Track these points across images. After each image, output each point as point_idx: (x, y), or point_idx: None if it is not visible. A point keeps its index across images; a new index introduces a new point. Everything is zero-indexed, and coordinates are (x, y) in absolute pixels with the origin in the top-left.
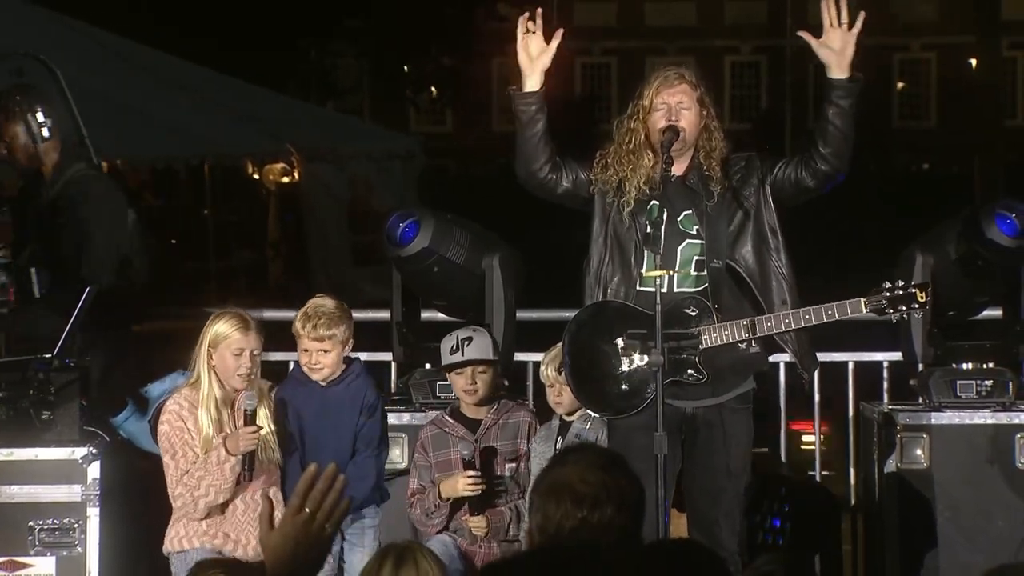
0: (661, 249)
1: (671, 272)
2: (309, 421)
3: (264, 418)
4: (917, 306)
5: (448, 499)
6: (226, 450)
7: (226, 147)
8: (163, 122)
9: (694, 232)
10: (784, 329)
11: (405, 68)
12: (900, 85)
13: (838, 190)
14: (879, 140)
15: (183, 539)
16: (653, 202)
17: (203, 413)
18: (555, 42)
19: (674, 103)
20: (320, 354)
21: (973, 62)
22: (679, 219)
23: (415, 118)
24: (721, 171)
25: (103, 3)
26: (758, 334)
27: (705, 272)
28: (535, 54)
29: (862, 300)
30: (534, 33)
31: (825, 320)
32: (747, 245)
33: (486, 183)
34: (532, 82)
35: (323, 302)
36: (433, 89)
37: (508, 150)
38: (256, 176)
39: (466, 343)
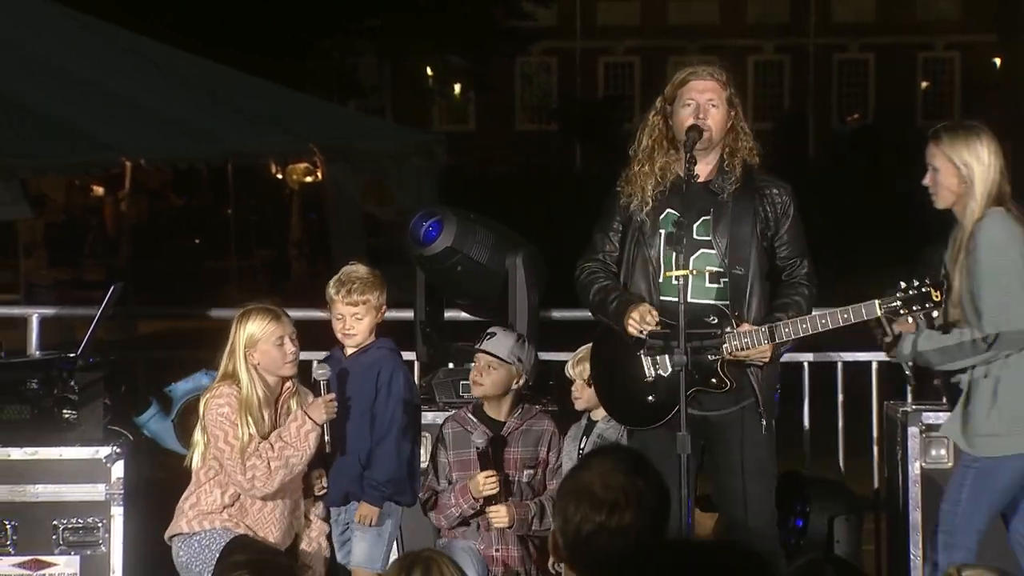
0: (683, 249)
1: (693, 272)
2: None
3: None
4: (931, 305)
5: (479, 498)
6: (311, 420)
7: (249, 147)
8: (186, 123)
9: (708, 240)
10: (802, 334)
11: (428, 70)
12: (924, 84)
13: (857, 189)
14: (902, 139)
15: (203, 519)
16: (668, 210)
17: (246, 416)
18: None
19: (703, 100)
20: (354, 320)
21: (997, 61)
22: (695, 226)
23: (437, 117)
24: (743, 172)
25: (128, 6)
26: (776, 340)
27: (721, 283)
28: None
29: (876, 302)
30: None
31: (841, 323)
32: (756, 252)
33: (507, 182)
34: None
35: (356, 268)
36: (457, 87)
37: (529, 150)
38: (279, 176)
39: (489, 336)
